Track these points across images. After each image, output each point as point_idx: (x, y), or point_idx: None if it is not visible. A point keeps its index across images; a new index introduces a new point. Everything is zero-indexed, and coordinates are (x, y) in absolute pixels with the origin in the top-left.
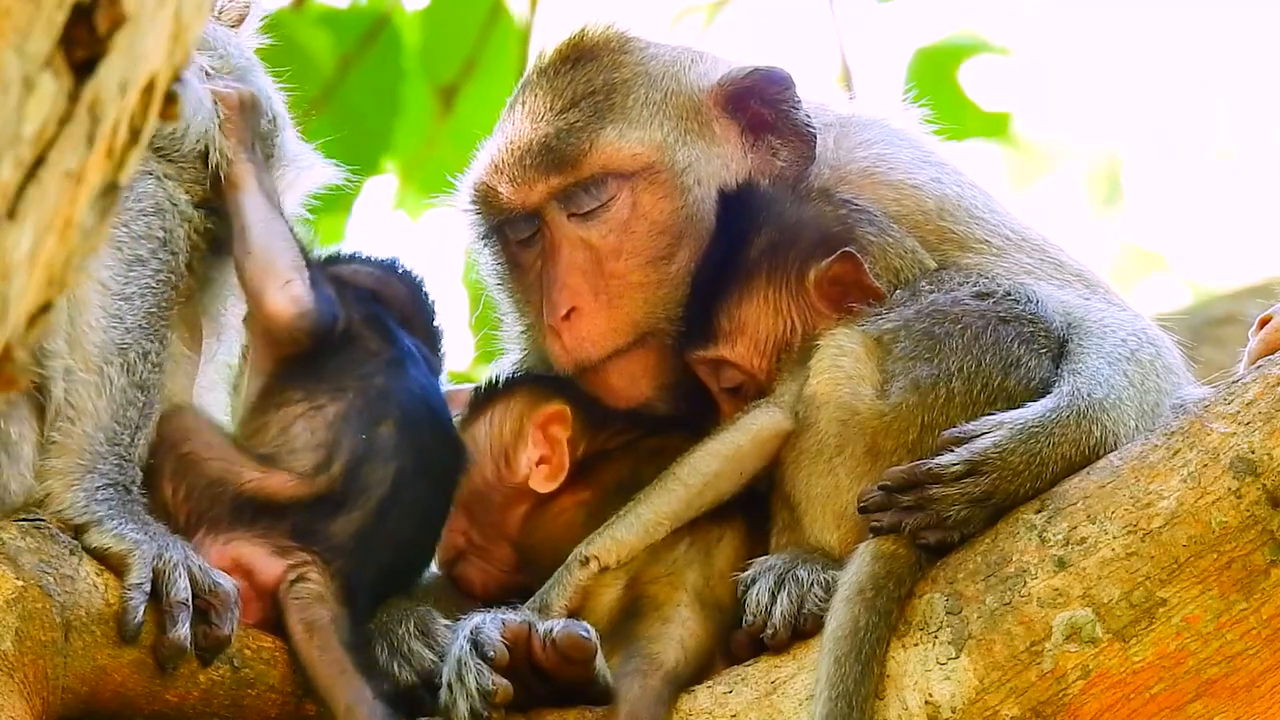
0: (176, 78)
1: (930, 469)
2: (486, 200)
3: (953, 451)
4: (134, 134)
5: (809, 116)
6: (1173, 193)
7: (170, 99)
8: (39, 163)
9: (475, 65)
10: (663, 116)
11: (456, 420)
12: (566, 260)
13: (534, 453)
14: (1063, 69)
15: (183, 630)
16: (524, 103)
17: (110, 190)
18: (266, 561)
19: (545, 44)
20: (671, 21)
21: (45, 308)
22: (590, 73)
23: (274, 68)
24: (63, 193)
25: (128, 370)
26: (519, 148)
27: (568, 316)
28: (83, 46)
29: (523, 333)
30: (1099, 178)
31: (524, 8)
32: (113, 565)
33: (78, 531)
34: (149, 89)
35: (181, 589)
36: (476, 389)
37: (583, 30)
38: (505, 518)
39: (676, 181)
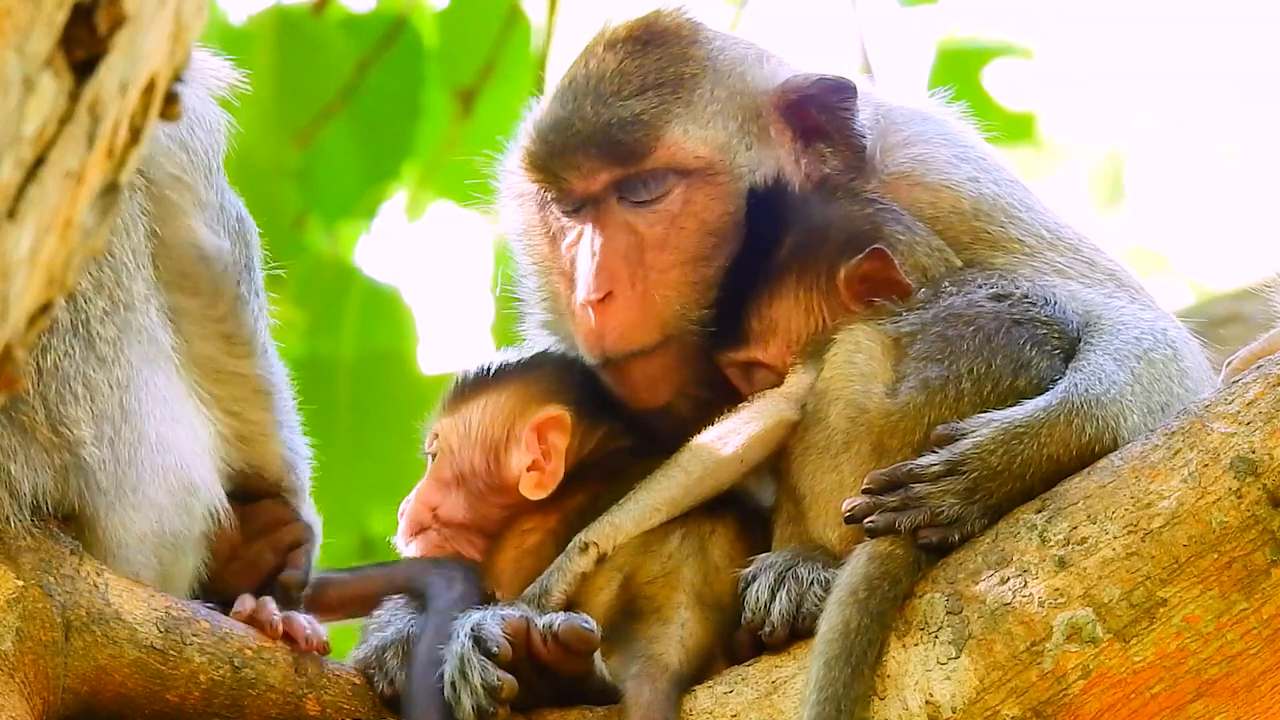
0: (177, 77)
1: (911, 470)
2: (541, 174)
3: (935, 452)
4: (135, 134)
5: (864, 124)
6: (1175, 193)
7: (171, 99)
8: (39, 162)
9: (494, 68)
10: (726, 117)
11: (445, 398)
12: (610, 243)
13: (526, 457)
14: (1064, 68)
15: None
16: (588, 76)
17: (111, 190)
18: None
19: (612, 18)
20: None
21: (45, 308)
22: (660, 60)
23: (293, 74)
24: (63, 193)
25: None
26: (581, 132)
27: (602, 300)
28: (83, 46)
29: (543, 299)
30: (1101, 177)
31: (541, 10)
32: None
33: None
34: (150, 89)
35: None
36: (473, 371)
37: (657, 12)
38: (485, 509)
39: (732, 185)
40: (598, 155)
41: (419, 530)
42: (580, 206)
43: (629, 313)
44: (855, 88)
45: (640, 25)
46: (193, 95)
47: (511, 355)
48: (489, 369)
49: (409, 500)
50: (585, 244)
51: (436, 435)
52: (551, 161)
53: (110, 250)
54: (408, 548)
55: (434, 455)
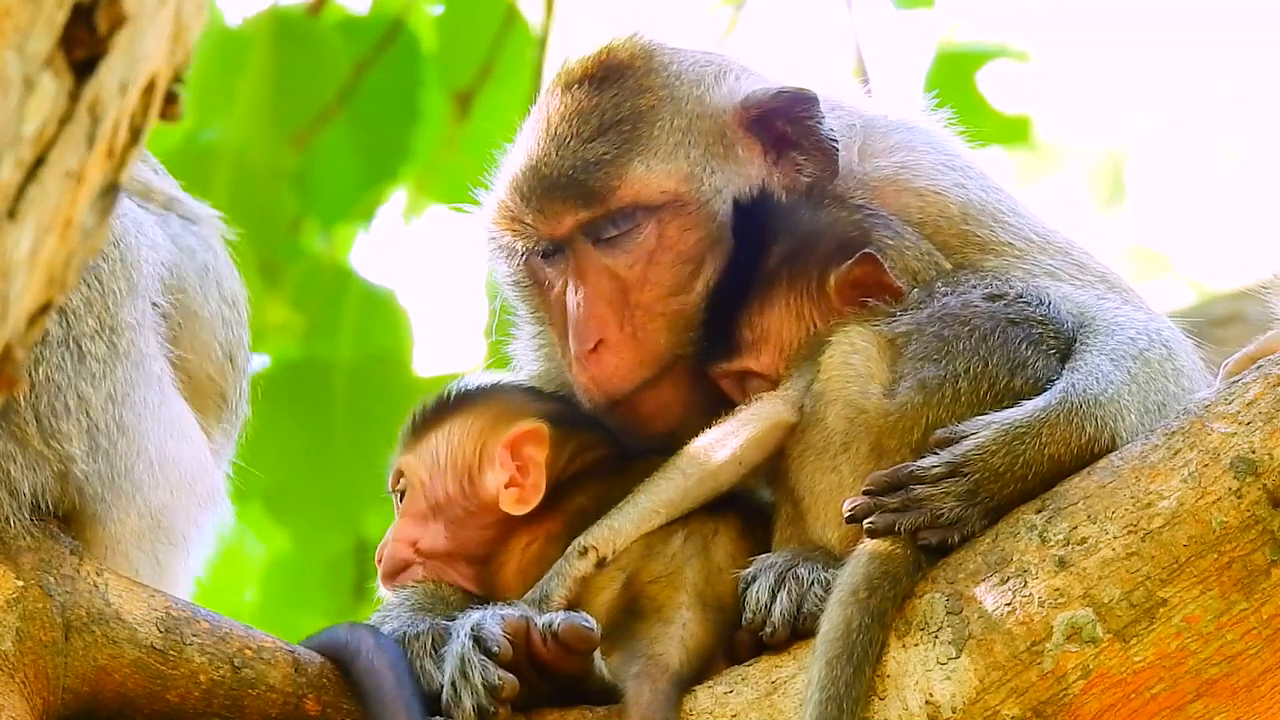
0: (177, 78)
1: (912, 471)
2: (512, 224)
3: (936, 454)
4: (134, 134)
5: (833, 129)
6: (1175, 193)
7: (171, 99)
8: (39, 163)
9: (491, 70)
10: (689, 145)
11: (404, 434)
12: (592, 290)
13: (501, 474)
14: (1065, 68)
15: None
16: (549, 121)
17: (110, 190)
18: None
19: (569, 54)
20: (695, 20)
21: (45, 308)
22: (617, 97)
23: (290, 76)
24: (63, 193)
25: None
26: (546, 178)
27: (595, 349)
28: (83, 46)
29: (539, 345)
30: (1101, 177)
31: (539, 12)
32: None
33: None
34: (149, 89)
35: None
36: (429, 404)
37: (609, 46)
38: (468, 534)
39: (702, 210)
40: (562, 200)
41: (402, 568)
42: (553, 252)
43: (623, 356)
44: (816, 96)
45: (595, 62)
46: (231, 276)
47: (465, 383)
48: (446, 398)
49: (385, 542)
50: (570, 295)
51: (402, 473)
52: (519, 211)
53: (98, 276)
54: (391, 589)
55: (401, 493)
